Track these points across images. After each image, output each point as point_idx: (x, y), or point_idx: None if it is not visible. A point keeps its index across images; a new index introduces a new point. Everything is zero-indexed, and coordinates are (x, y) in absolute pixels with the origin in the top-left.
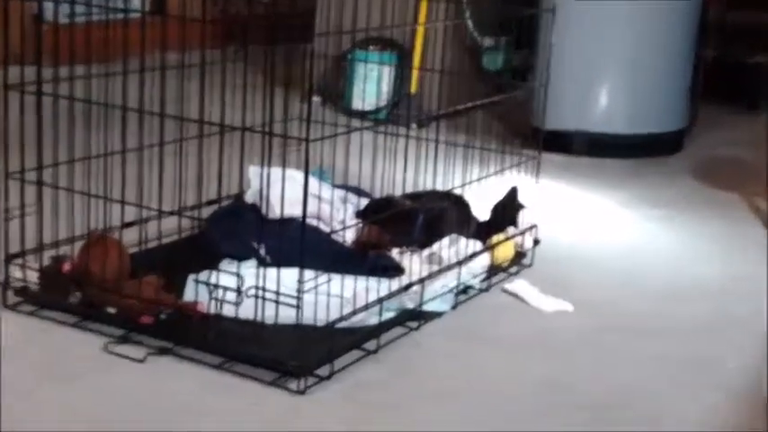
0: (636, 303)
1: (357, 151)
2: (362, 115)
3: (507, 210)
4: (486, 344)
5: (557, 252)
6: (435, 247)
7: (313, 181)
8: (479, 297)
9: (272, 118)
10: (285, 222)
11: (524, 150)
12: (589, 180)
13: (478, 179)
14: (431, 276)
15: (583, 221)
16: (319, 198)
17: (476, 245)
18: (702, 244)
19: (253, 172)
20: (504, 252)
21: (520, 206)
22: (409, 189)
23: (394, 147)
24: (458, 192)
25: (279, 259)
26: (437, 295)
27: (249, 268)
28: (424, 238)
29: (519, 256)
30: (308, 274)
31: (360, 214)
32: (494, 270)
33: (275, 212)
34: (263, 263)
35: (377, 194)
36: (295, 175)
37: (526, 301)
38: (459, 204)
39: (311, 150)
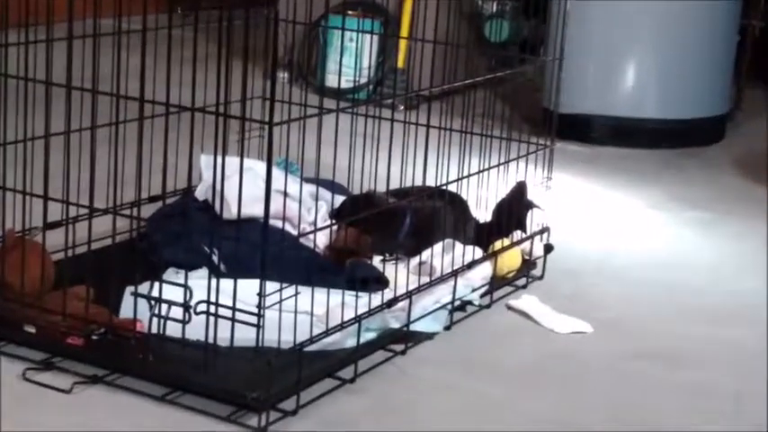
0: (668, 325)
1: (331, 138)
2: (339, 94)
3: (513, 210)
4: (486, 373)
5: (573, 261)
6: (426, 254)
7: (278, 174)
8: (479, 315)
9: (229, 97)
10: (243, 224)
11: (534, 138)
12: (612, 175)
13: (478, 172)
14: (420, 290)
15: (605, 225)
16: (285, 194)
17: (475, 252)
18: (747, 253)
19: (204, 162)
20: (510, 261)
21: (529, 205)
22: (395, 184)
23: (377, 133)
24: (453, 188)
25: (235, 268)
26: (427, 313)
27: (199, 279)
28: (413, 243)
29: (527, 265)
30: (271, 286)
31: (334, 214)
32: (497, 283)
33: (231, 212)
34: (216, 272)
35: (355, 190)
36: (256, 167)
37: (536, 320)
38: (455, 203)
39: (275, 136)
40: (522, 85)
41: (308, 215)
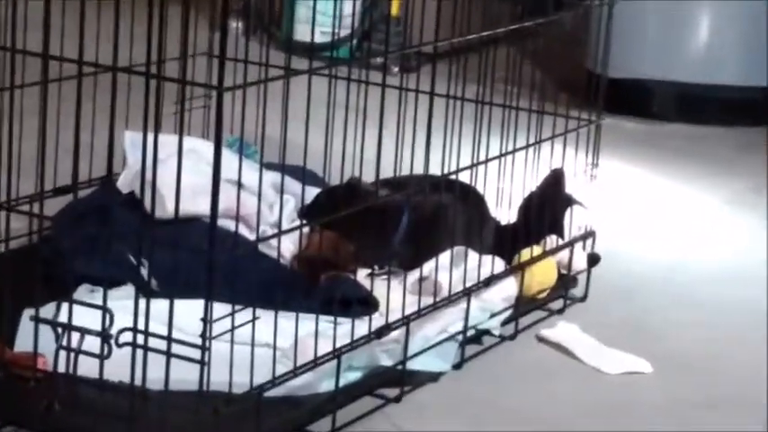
0: (751, 363)
1: (302, 109)
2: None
3: (547, 207)
4: (509, 428)
5: (626, 277)
6: (428, 267)
7: (229, 157)
8: (499, 349)
9: (163, 54)
10: (183, 225)
11: (575, 111)
12: (679, 161)
13: (500, 156)
14: (421, 315)
15: (668, 227)
16: (239, 185)
17: (494, 264)
18: None
19: (130, 142)
20: (542, 276)
21: (567, 201)
22: (387, 173)
23: (363, 103)
24: (466, 178)
25: (172, 285)
26: (430, 346)
27: (123, 299)
28: (410, 251)
29: (565, 282)
30: (220, 309)
31: (305, 212)
32: (524, 306)
33: (166, 209)
34: (145, 290)
35: (334, 180)
36: (200, 148)
37: (576, 356)
38: (468, 198)
39: (226, 107)
40: (558, 40)
41: (270, 213)
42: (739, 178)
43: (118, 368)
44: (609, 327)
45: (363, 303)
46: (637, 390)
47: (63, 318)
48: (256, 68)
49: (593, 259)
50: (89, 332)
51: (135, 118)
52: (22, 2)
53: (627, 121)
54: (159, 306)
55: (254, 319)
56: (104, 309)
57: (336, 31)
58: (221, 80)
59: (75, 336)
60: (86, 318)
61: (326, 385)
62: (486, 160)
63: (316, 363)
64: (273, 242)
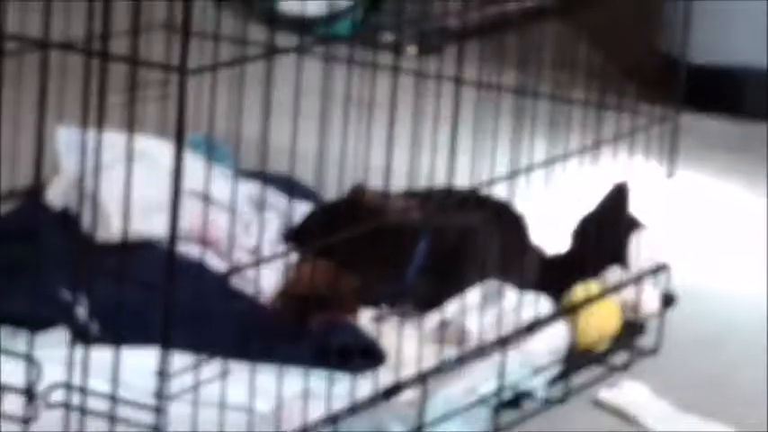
0: None
1: (289, 100)
2: (303, 26)
3: (607, 231)
4: None
5: (709, 322)
6: (452, 307)
7: (194, 162)
8: (546, 416)
9: (109, 26)
10: (132, 251)
11: (645, 106)
12: None
13: (545, 164)
14: (442, 370)
15: (764, 260)
16: (207, 199)
17: (539, 304)
18: None
19: (65, 141)
20: (600, 321)
21: (633, 224)
22: (399, 184)
23: (367, 92)
24: (501, 192)
25: (117, 328)
26: (454, 410)
27: (53, 347)
28: (429, 287)
29: (631, 329)
30: (181, 359)
31: (294, 234)
32: (576, 360)
33: (111, 229)
34: (82, 335)
35: (329, 193)
36: (155, 150)
37: (644, 425)
38: (505, 219)
39: (191, 95)
40: (624, 13)
41: (247, 236)
42: None
43: None
44: (687, 387)
45: (367, 354)
46: None
47: None
48: (230, 46)
49: (668, 299)
50: (11, 389)
51: (71, 110)
52: None
53: (712, 119)
54: (101, 356)
55: (225, 373)
56: (29, 359)
57: (333, 1)
58: (184, 60)
59: None
60: (6, 370)
61: None
62: (529, 169)
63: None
64: (251, 274)
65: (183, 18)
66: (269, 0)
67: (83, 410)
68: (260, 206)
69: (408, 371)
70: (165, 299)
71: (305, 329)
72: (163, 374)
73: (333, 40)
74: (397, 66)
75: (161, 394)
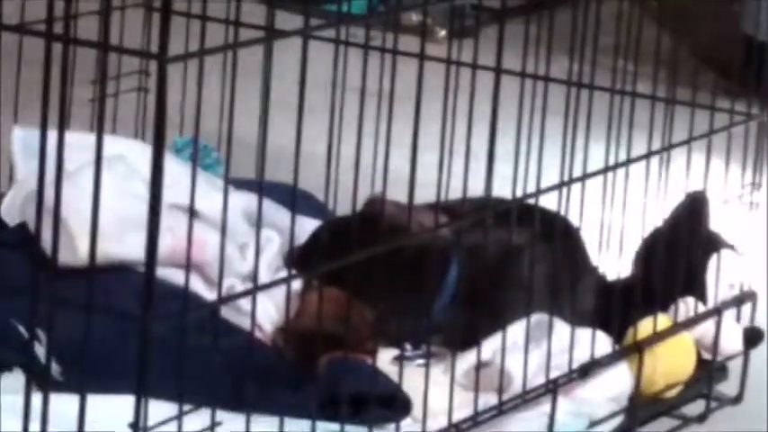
0: None
1: (292, 94)
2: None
3: (679, 253)
4: None
5: None
6: (490, 346)
7: (178, 169)
8: None
9: (73, 7)
10: (101, 278)
11: (724, 100)
12: None
13: (605, 170)
14: (479, 422)
15: None
16: (192, 214)
17: (596, 341)
18: None
19: (22, 143)
20: (671, 363)
21: (712, 244)
22: (425, 195)
23: (387, 84)
24: (551, 203)
25: (83, 371)
26: None
27: (7, 393)
28: (463, 321)
29: (708, 372)
30: (160, 408)
31: (298, 257)
32: (643, 409)
33: (77, 251)
34: (41, 379)
35: (341, 207)
36: (130, 155)
37: None
38: (555, 237)
39: (172, 88)
40: None
41: (241, 260)
42: None
43: None
44: None
45: (387, 403)
46: None
47: None
48: (221, 28)
49: (755, 336)
50: None
51: (29, 106)
52: None
53: None
54: (63, 404)
55: (214, 425)
56: None
57: None
58: (164, 45)
59: None
60: None
61: None
62: (585, 176)
63: None
64: (246, 304)
65: None
66: None
67: None
68: (257, 223)
69: (437, 423)
70: (141, 335)
71: (311, 372)
72: (137, 428)
73: (345, 20)
74: (422, 53)
75: None
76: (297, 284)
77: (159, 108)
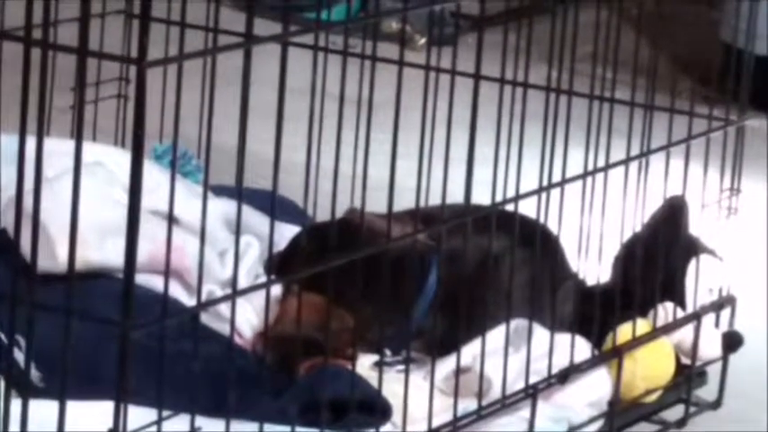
0: None
1: (271, 101)
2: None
3: (658, 258)
4: None
5: None
6: (470, 350)
7: (157, 176)
8: None
9: (53, 13)
10: (81, 285)
11: (703, 107)
12: None
13: (584, 175)
14: (459, 427)
15: None
16: (171, 221)
17: (575, 347)
18: None
19: (1, 149)
20: (650, 368)
21: (691, 249)
22: (404, 201)
23: (366, 90)
24: (530, 209)
25: (63, 377)
26: None
27: None
28: (443, 327)
29: (687, 378)
30: (140, 414)
31: (277, 263)
32: (622, 414)
33: (56, 257)
34: (21, 384)
35: (321, 213)
36: (109, 161)
37: None
38: (534, 242)
39: (151, 93)
40: None
41: (221, 266)
42: None
43: None
44: None
45: (367, 408)
46: None
47: None
48: (200, 35)
49: (733, 341)
50: None
51: (8, 111)
52: None
53: None
54: (43, 410)
55: (194, 430)
56: None
57: None
58: (143, 51)
59: None
60: None
61: None
62: (564, 182)
63: None
64: (226, 310)
65: (141, 2)
66: None
67: None
68: (236, 228)
69: (417, 429)
70: (120, 341)
71: (290, 378)
72: None
73: (324, 27)
74: (402, 59)
75: None
76: (277, 290)
77: (138, 113)
